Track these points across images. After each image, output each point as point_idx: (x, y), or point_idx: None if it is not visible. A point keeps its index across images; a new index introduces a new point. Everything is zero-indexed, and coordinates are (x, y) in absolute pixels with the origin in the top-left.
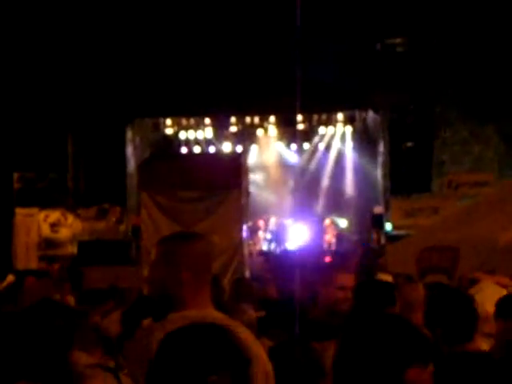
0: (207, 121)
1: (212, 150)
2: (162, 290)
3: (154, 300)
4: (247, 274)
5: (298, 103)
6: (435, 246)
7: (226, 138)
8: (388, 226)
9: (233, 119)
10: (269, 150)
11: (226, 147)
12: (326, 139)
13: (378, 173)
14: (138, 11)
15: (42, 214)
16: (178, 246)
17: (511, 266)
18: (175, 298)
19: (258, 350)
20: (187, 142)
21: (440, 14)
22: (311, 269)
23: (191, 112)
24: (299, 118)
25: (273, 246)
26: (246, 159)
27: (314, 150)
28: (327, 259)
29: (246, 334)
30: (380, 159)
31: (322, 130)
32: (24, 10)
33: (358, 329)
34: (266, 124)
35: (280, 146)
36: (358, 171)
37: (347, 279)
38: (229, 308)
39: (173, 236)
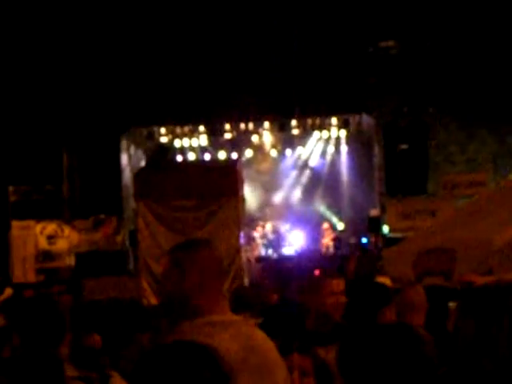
0: (201, 128)
1: (207, 157)
2: (179, 300)
3: (172, 310)
4: (246, 280)
5: (296, 108)
6: (432, 249)
7: (221, 145)
8: (385, 229)
9: (227, 126)
10: (264, 156)
11: (221, 154)
12: (321, 143)
13: (374, 176)
14: (130, 21)
15: (38, 227)
16: (189, 252)
17: (508, 266)
18: (194, 305)
19: (274, 347)
20: (182, 150)
21: (432, 17)
22: (303, 276)
23: (185, 120)
24: (293, 123)
25: (270, 251)
26: (241, 166)
27: (309, 154)
28: (319, 265)
29: (262, 335)
30: (375, 162)
31: (316, 134)
32: (17, 26)
33: (358, 337)
34: (260, 130)
35: (275, 152)
36: (354, 175)
37: (337, 284)
38: None
39: (182, 244)
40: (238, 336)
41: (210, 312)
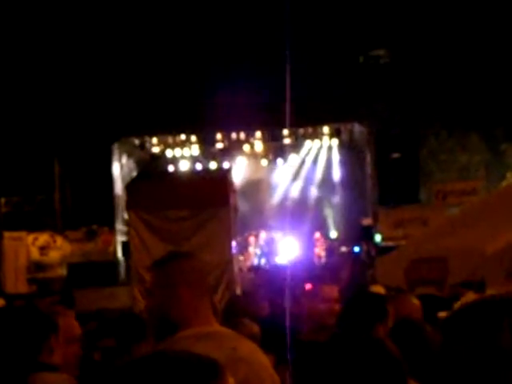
0: (193, 138)
1: (199, 167)
2: (163, 313)
3: (156, 324)
4: (238, 290)
5: (287, 117)
6: (424, 258)
7: (213, 155)
8: (377, 238)
9: (218, 136)
10: (256, 165)
11: (213, 164)
12: (313, 153)
13: (366, 184)
14: (121, 31)
15: (30, 237)
16: (171, 265)
17: (500, 275)
18: (178, 318)
19: (264, 360)
20: (174, 160)
21: (422, 25)
22: (297, 284)
23: (177, 130)
24: (285, 132)
25: (263, 261)
26: (232, 176)
27: (301, 163)
28: (312, 275)
29: (250, 347)
30: (367, 171)
31: (308, 143)
32: (6, 36)
33: (339, 352)
34: (252, 139)
35: (267, 161)
36: (346, 183)
37: (330, 291)
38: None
39: (165, 257)
40: (222, 348)
41: (193, 324)
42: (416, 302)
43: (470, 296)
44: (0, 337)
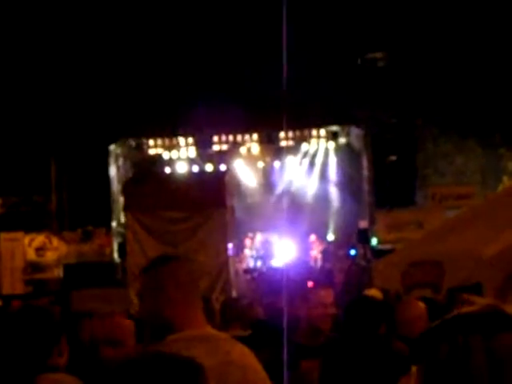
0: (190, 140)
1: (195, 169)
2: (153, 316)
3: (148, 327)
4: (234, 292)
5: (284, 120)
6: (420, 261)
7: (209, 157)
8: (374, 241)
9: (215, 138)
10: (252, 168)
11: (210, 166)
12: (310, 155)
13: (362, 187)
14: (119, 32)
15: (26, 238)
16: (161, 268)
17: (497, 278)
18: (169, 321)
19: (256, 364)
20: (170, 162)
21: (420, 28)
22: (293, 287)
23: (174, 132)
24: (282, 134)
25: (259, 263)
26: (229, 178)
27: (298, 166)
28: (308, 277)
29: (242, 350)
30: (364, 173)
31: (305, 146)
32: (5, 35)
33: (340, 352)
34: (248, 142)
35: (263, 163)
36: (342, 186)
37: (326, 295)
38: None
39: (154, 261)
40: (215, 351)
41: (185, 327)
42: (422, 305)
43: (472, 299)
44: (12, 339)
